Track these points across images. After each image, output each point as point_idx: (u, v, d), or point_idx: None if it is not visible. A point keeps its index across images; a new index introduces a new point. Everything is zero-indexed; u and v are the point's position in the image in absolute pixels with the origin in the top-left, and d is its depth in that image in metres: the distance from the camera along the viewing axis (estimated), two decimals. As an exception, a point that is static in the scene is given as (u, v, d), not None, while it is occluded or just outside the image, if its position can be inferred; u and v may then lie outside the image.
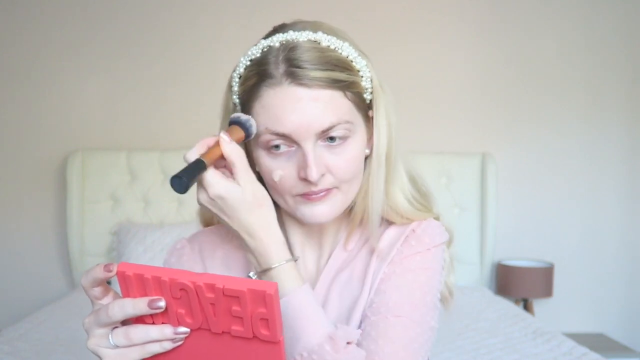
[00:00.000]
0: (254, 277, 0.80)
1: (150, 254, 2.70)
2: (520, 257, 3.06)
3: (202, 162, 0.73)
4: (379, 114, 0.86)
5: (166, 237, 2.73)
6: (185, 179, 0.70)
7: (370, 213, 0.87)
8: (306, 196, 0.82)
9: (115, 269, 0.66)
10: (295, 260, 0.80)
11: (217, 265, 0.93)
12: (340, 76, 0.80)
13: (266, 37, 0.84)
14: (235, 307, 0.63)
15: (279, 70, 0.78)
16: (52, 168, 3.02)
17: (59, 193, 3.01)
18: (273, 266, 0.78)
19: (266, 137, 0.80)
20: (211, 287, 0.63)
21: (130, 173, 2.96)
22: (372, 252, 0.90)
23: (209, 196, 0.77)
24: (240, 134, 0.79)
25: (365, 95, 0.85)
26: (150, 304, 0.65)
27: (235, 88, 0.84)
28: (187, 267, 0.92)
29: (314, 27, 0.83)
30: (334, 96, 0.80)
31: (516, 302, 2.94)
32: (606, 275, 3.11)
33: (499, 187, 3.02)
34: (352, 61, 0.82)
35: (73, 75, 3.02)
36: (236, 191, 0.77)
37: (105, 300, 0.70)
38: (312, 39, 0.80)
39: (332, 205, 0.84)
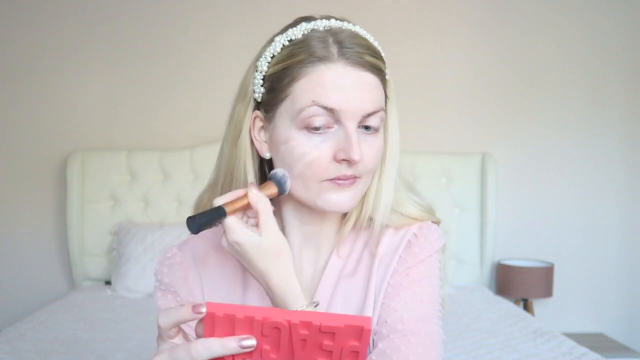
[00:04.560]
0: None
1: (150, 254, 2.70)
2: (520, 257, 3.06)
3: (222, 209, 0.76)
4: (392, 116, 0.87)
5: (166, 237, 2.73)
6: (199, 221, 0.74)
7: (380, 214, 0.87)
8: (335, 181, 0.81)
9: (204, 310, 0.64)
10: (316, 306, 0.80)
11: (211, 271, 0.92)
12: (383, 67, 0.83)
13: (293, 25, 0.84)
14: (327, 342, 0.63)
15: (331, 49, 0.79)
16: (52, 168, 3.02)
17: (59, 193, 3.01)
18: None
19: (310, 111, 0.79)
20: (307, 325, 0.63)
21: (130, 173, 2.96)
22: (373, 256, 0.89)
23: (228, 242, 0.79)
24: (274, 190, 0.81)
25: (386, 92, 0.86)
26: (241, 344, 0.64)
27: (264, 67, 0.83)
28: (179, 276, 0.91)
29: (343, 19, 0.85)
30: (377, 84, 0.82)
31: (516, 302, 2.94)
32: (606, 275, 3.11)
33: (499, 187, 3.02)
34: (383, 57, 0.85)
35: (73, 75, 3.02)
36: (254, 240, 0.78)
37: (178, 340, 0.69)
38: (352, 29, 0.83)
39: (355, 193, 0.83)
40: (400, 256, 0.88)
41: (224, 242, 0.80)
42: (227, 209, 0.77)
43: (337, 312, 0.86)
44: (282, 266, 0.79)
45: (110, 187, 2.94)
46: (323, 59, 0.79)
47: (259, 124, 0.86)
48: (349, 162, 0.80)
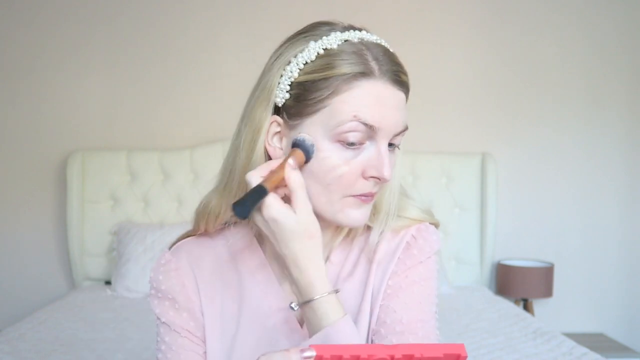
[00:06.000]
0: (295, 308, 0.80)
1: (150, 254, 2.70)
2: (520, 257, 3.06)
3: (264, 188, 0.74)
4: None
5: (166, 237, 2.72)
6: (249, 205, 0.72)
7: (379, 224, 0.88)
8: (361, 197, 0.81)
9: (314, 353, 0.62)
10: (337, 292, 0.79)
11: (208, 275, 0.91)
12: (409, 84, 0.84)
13: (313, 30, 0.82)
14: None
15: (372, 65, 0.79)
16: (52, 168, 3.02)
17: (59, 193, 3.01)
18: (315, 297, 0.77)
19: (349, 125, 0.78)
20: (409, 358, 0.63)
21: (130, 173, 2.96)
22: (370, 261, 0.89)
23: (264, 217, 0.76)
24: (302, 158, 0.79)
25: None
26: None
27: (295, 74, 0.80)
28: (176, 282, 0.90)
29: (369, 31, 0.84)
30: (404, 101, 0.83)
31: (516, 302, 2.94)
32: (606, 275, 3.11)
33: (499, 187, 3.02)
34: None
35: (73, 75, 3.02)
36: (291, 218, 0.76)
37: None
38: (382, 44, 0.83)
39: (370, 208, 0.84)
40: (398, 258, 0.88)
41: (257, 218, 0.77)
42: (267, 186, 0.74)
43: None
44: (314, 248, 0.78)
45: (110, 187, 2.94)
46: (365, 74, 0.78)
47: (274, 129, 0.83)
48: (377, 179, 0.80)
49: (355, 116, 0.77)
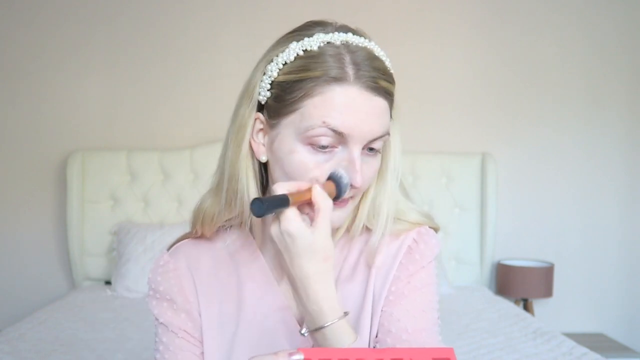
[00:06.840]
0: (306, 334, 0.78)
1: (150, 254, 2.70)
2: (520, 257, 3.06)
3: (287, 198, 0.73)
4: (395, 137, 0.87)
5: (166, 237, 2.73)
6: (266, 205, 0.71)
7: (379, 229, 0.86)
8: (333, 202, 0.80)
9: (302, 357, 0.62)
10: (346, 314, 0.77)
11: (206, 277, 0.91)
12: (393, 90, 0.82)
13: (305, 29, 0.81)
14: None
15: (347, 70, 0.77)
16: (52, 168, 3.02)
17: (59, 193, 3.01)
18: (326, 325, 0.75)
19: (319, 130, 0.77)
20: None
21: (130, 173, 2.96)
22: (370, 264, 0.89)
23: (280, 229, 0.74)
24: (333, 192, 0.78)
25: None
26: None
27: (274, 73, 0.80)
28: (174, 283, 0.90)
29: (360, 33, 0.82)
30: (386, 108, 0.81)
31: (516, 302, 2.94)
32: (606, 275, 3.11)
33: (499, 187, 3.02)
34: (394, 78, 0.83)
35: (73, 75, 3.02)
36: (308, 235, 0.74)
37: None
38: (368, 47, 0.81)
39: (346, 212, 0.83)
40: (400, 262, 0.88)
41: (273, 230, 0.76)
42: (291, 199, 0.73)
43: None
44: (326, 271, 0.76)
45: (110, 187, 2.94)
46: (338, 79, 0.77)
47: (258, 125, 0.84)
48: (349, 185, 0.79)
49: (324, 122, 0.77)
